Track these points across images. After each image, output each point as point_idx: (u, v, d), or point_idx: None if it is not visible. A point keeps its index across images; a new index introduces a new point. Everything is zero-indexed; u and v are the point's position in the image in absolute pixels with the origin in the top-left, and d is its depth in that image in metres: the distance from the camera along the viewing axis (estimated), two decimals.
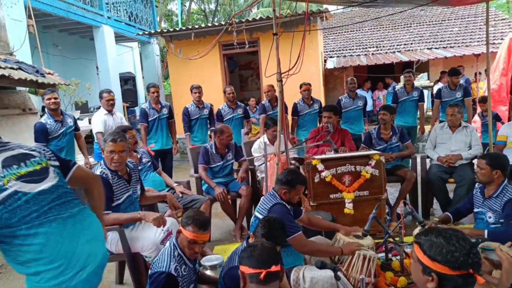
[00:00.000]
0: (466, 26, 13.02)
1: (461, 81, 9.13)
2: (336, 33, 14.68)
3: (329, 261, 2.81)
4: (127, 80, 9.94)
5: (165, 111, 5.23)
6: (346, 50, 13.05)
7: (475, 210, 2.96)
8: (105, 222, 2.49)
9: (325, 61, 11.71)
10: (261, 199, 2.77)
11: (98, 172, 2.59)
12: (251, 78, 13.03)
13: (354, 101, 5.79)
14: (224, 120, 5.49)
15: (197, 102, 5.43)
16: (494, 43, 10.76)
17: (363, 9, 15.22)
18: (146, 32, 9.62)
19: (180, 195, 3.54)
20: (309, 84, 5.80)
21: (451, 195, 3.96)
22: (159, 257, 2.03)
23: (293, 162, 4.57)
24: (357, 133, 5.51)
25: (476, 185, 3.00)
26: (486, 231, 2.68)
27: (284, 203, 2.61)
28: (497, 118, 5.99)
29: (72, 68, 9.42)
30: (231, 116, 5.57)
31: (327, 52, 12.94)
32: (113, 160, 2.57)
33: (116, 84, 8.99)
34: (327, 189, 3.68)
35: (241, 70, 13.17)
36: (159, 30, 9.77)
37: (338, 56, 12.59)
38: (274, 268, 1.63)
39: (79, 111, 7.06)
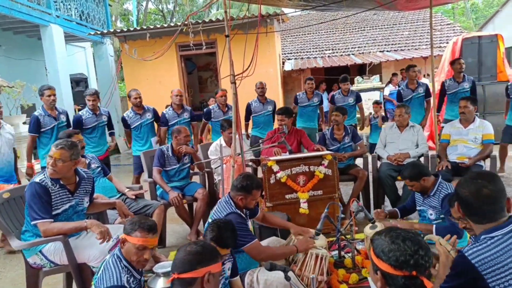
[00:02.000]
0: (415, 30, 13.71)
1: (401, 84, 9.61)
2: (293, 36, 14.94)
3: (283, 262, 2.85)
4: (78, 82, 9.52)
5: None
6: (304, 52, 13.31)
7: (418, 208, 3.11)
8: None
9: (283, 63, 11.87)
10: (216, 204, 2.74)
11: (37, 180, 2.44)
12: (210, 79, 12.94)
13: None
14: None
15: (92, 109, 4.75)
16: (440, 47, 11.43)
17: (319, 12, 15.60)
18: (99, 32, 9.27)
19: (133, 198, 3.43)
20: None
21: (400, 192, 4.14)
22: (104, 272, 1.88)
23: (250, 163, 4.59)
24: (313, 127, 6.01)
25: None
26: (434, 226, 2.82)
27: (239, 211, 2.58)
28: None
29: (18, 69, 8.85)
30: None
31: (285, 54, 13.12)
32: (48, 165, 2.43)
33: (67, 86, 8.57)
34: (283, 190, 3.73)
35: (200, 71, 13.04)
36: (112, 30, 9.44)
37: (296, 58, 12.81)
38: (184, 275, 1.55)
39: (25, 115, 6.64)
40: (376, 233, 1.44)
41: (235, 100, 3.43)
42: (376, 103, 7.07)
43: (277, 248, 2.74)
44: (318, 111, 6.43)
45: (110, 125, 5.06)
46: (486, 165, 4.05)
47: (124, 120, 5.04)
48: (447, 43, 9.81)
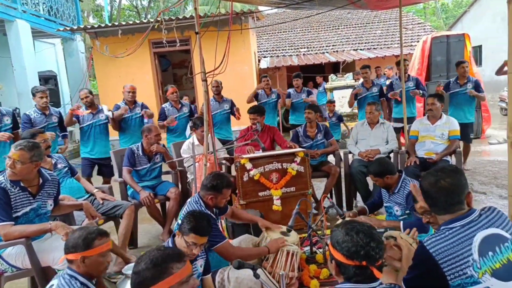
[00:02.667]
0: (388, 29, 14.01)
1: (382, 80, 9.80)
2: (269, 34, 14.97)
3: (256, 260, 2.85)
4: (47, 79, 9.20)
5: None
6: (279, 50, 13.36)
7: (385, 204, 3.20)
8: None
9: (259, 61, 11.88)
10: (185, 204, 2.71)
11: None
12: (186, 77, 12.80)
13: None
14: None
15: (41, 108, 4.45)
16: (411, 45, 11.73)
17: (294, 10, 15.68)
18: (68, 28, 8.99)
19: (101, 202, 3.34)
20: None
21: (372, 187, 4.22)
22: None
23: (223, 162, 4.57)
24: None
25: None
26: (401, 222, 2.88)
27: (208, 211, 2.56)
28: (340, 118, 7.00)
29: None
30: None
31: (260, 52, 13.13)
32: (6, 166, 2.34)
33: (35, 83, 8.24)
34: (256, 187, 3.74)
35: (175, 68, 12.87)
36: (82, 26, 9.18)
37: (271, 56, 12.84)
38: None
39: None
40: (335, 226, 1.51)
41: (207, 97, 3.40)
42: (330, 102, 7.34)
43: (249, 249, 2.73)
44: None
45: (61, 127, 4.73)
46: (452, 160, 4.18)
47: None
48: (418, 41, 10.07)
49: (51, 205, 2.63)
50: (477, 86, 5.33)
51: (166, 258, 1.44)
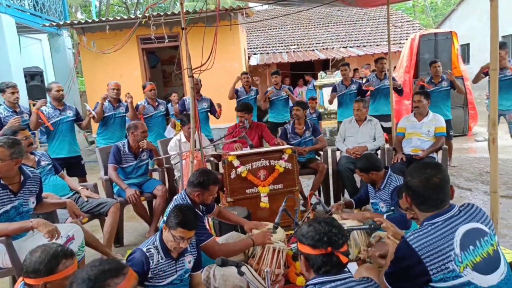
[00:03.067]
0: (377, 27, 14.08)
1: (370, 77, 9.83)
2: (259, 30, 14.93)
3: (242, 256, 2.84)
4: (33, 76, 9.03)
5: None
6: (269, 47, 13.34)
7: (371, 201, 3.22)
8: None
9: (249, 57, 11.85)
10: (172, 201, 2.68)
11: None
12: (175, 73, 12.70)
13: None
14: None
15: (11, 106, 4.22)
16: (400, 43, 11.81)
17: (285, 7, 15.66)
18: (54, 24, 8.83)
19: (86, 199, 3.30)
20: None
21: (359, 184, 4.24)
22: None
23: (211, 159, 4.55)
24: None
25: None
26: (385, 216, 2.90)
27: (195, 209, 2.54)
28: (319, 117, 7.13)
29: None
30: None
31: (250, 49, 13.09)
32: None
33: (20, 80, 8.10)
34: (243, 185, 3.72)
35: (164, 65, 12.76)
36: (69, 22, 9.03)
37: (261, 53, 12.82)
38: None
39: None
40: (308, 219, 1.53)
41: (193, 94, 3.37)
42: (312, 98, 7.45)
43: (234, 244, 2.72)
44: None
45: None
46: (438, 157, 4.22)
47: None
48: (407, 39, 10.15)
49: (33, 203, 2.58)
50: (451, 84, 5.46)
51: (101, 276, 1.33)
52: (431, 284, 1.50)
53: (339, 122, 5.38)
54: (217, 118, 5.65)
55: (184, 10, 8.63)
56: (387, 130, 5.35)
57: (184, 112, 4.98)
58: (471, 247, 1.50)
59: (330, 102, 6.20)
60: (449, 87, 5.49)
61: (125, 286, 1.35)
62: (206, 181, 2.52)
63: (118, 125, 4.87)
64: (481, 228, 1.56)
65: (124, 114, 4.93)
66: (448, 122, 5.43)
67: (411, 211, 1.93)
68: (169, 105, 6.20)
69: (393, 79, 5.78)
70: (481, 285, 1.47)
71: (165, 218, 2.51)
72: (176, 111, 5.82)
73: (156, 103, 5.26)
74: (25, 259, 1.65)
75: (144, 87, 5.34)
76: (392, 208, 2.96)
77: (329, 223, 1.47)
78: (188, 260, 2.21)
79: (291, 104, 6.10)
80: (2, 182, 2.36)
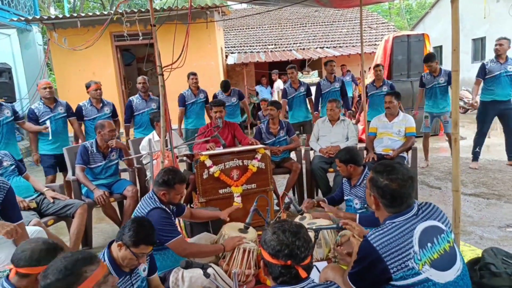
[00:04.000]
0: (353, 28, 14.28)
1: (347, 78, 9.98)
2: (237, 29, 14.88)
3: (213, 258, 2.81)
4: (1, 72, 8.64)
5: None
6: (247, 46, 13.31)
7: (345, 197, 3.23)
8: None
9: (226, 56, 11.78)
10: (141, 200, 2.63)
11: None
12: (151, 71, 12.48)
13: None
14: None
15: None
16: (375, 44, 12.01)
17: (262, 6, 15.68)
18: (23, 18, 8.51)
19: (52, 201, 3.18)
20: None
21: (332, 184, 4.27)
22: None
23: (184, 158, 4.49)
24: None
25: None
26: (358, 215, 2.93)
27: (163, 206, 2.50)
28: None
29: None
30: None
31: (228, 48, 13.03)
32: None
33: None
34: (216, 185, 3.68)
35: (140, 63, 12.53)
36: (38, 17, 8.73)
37: (239, 52, 12.77)
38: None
39: None
40: (267, 226, 1.48)
41: (164, 92, 3.30)
42: (264, 100, 7.32)
43: (204, 245, 2.69)
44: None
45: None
46: (409, 156, 4.30)
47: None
48: (381, 41, 10.33)
49: None
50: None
51: (76, 264, 1.36)
52: (392, 282, 1.51)
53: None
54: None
55: (159, 7, 8.51)
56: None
57: (100, 116, 4.65)
58: (429, 244, 1.52)
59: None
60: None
61: (100, 272, 1.39)
62: (171, 180, 2.47)
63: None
64: (438, 225, 1.59)
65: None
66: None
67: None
68: None
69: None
70: (439, 281, 1.49)
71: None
72: None
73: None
74: (23, 249, 1.69)
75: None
76: (366, 205, 2.99)
77: (294, 234, 1.38)
78: (143, 268, 2.09)
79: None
80: None
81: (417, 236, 1.52)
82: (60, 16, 8.43)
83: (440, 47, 16.60)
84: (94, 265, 1.39)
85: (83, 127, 4.84)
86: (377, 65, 6.10)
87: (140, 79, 5.24)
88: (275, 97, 9.40)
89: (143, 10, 7.90)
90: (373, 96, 5.94)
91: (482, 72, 5.26)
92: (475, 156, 5.48)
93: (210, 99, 5.76)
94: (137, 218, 2.22)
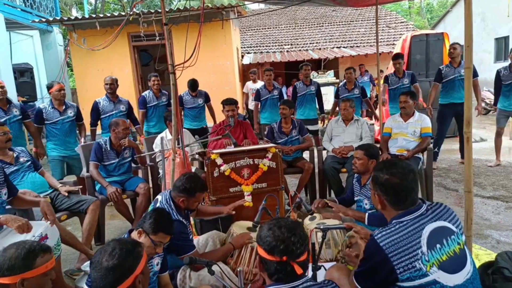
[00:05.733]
0: (371, 27, 14.09)
1: (365, 78, 9.84)
2: (253, 30, 14.91)
3: None
4: (23, 72, 8.93)
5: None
6: (263, 46, 13.31)
7: (355, 198, 3.18)
8: None
9: (242, 57, 11.81)
10: (155, 201, 2.63)
11: None
12: (167, 71, 12.64)
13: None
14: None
15: None
16: (393, 44, 11.82)
17: (279, 7, 15.65)
18: (44, 20, 8.75)
19: (66, 195, 3.25)
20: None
21: (344, 184, 4.21)
22: None
23: (196, 156, 4.51)
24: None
25: (355, 175, 3.23)
26: (367, 214, 2.87)
27: (179, 217, 2.46)
28: None
29: None
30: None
31: (244, 48, 13.06)
32: None
33: (8, 76, 8.02)
34: (227, 183, 3.68)
35: (157, 63, 12.69)
36: (59, 18, 8.96)
37: (255, 52, 12.78)
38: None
39: None
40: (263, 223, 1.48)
41: (175, 91, 3.33)
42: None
43: (215, 252, 2.65)
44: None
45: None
46: (424, 157, 4.20)
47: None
48: None
49: (5, 194, 2.55)
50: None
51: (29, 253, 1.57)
52: (398, 283, 1.47)
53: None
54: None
55: (175, 8, 8.57)
56: (314, 133, 5.65)
57: (63, 118, 4.36)
58: (438, 245, 1.48)
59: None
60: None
61: (143, 261, 1.52)
62: (192, 188, 2.45)
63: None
64: (448, 226, 1.54)
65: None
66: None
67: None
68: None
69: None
70: (447, 284, 1.44)
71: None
72: None
73: (64, 107, 4.34)
74: (1, 258, 1.55)
75: (50, 87, 4.34)
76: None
77: (290, 229, 1.37)
78: (156, 262, 2.15)
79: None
80: None
81: (426, 236, 1.48)
82: (80, 17, 8.61)
83: (461, 47, 16.20)
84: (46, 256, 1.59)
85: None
86: (396, 57, 5.94)
87: (107, 79, 4.86)
88: (250, 98, 8.81)
89: (159, 10, 8.00)
90: (395, 89, 5.86)
91: (438, 77, 5.56)
92: (434, 156, 5.50)
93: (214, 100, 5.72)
94: (157, 209, 2.26)
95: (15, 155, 3.23)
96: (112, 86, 4.84)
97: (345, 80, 6.14)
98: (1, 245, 2.33)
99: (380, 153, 4.25)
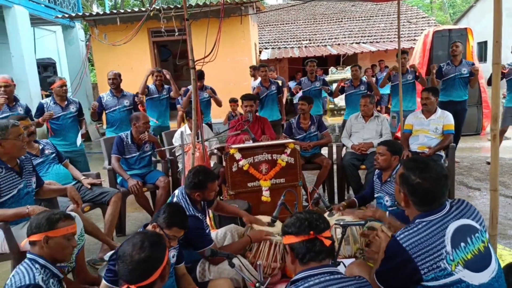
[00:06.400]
0: (391, 23, 13.82)
1: (385, 73, 9.68)
2: (271, 25, 14.84)
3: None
4: (46, 67, 9.18)
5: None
6: (281, 42, 13.24)
7: (375, 195, 3.15)
8: None
9: (260, 52, 11.79)
10: (173, 195, 2.66)
11: None
12: (186, 67, 12.71)
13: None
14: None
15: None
16: (414, 40, 11.58)
17: (298, 1, 15.53)
18: (67, 16, 8.93)
19: (89, 187, 3.33)
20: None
21: (363, 181, 4.18)
22: (14, 276, 1.69)
23: (215, 151, 4.54)
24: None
25: (376, 172, 3.19)
26: (387, 213, 2.85)
27: (196, 213, 2.48)
28: None
29: None
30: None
31: (262, 43, 13.02)
32: (23, 144, 2.44)
33: (33, 71, 8.24)
34: (245, 178, 3.69)
35: (176, 58, 12.80)
36: (81, 14, 9.12)
37: (273, 48, 12.74)
38: (142, 283, 1.46)
39: None
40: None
41: (195, 86, 3.35)
42: (233, 101, 6.77)
43: (232, 245, 2.67)
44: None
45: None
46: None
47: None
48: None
49: (34, 182, 2.65)
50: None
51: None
52: (422, 283, 1.45)
53: (345, 120, 5.48)
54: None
55: (194, 3, 8.59)
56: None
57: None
58: (462, 244, 1.45)
59: (335, 95, 6.26)
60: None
61: (68, 230, 1.80)
62: (202, 182, 2.46)
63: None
64: (472, 224, 1.51)
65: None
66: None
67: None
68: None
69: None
70: (473, 283, 1.42)
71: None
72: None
73: (66, 103, 4.26)
74: (30, 221, 1.83)
75: (52, 83, 4.26)
76: (397, 202, 2.89)
77: (309, 212, 1.52)
78: (172, 255, 2.17)
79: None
80: (8, 165, 2.42)
81: (450, 235, 1.46)
82: (101, 12, 8.75)
83: (485, 42, 15.74)
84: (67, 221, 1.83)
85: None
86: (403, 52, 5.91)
87: (110, 74, 4.81)
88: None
89: (179, 6, 8.05)
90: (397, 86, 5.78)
91: (439, 74, 5.53)
92: None
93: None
94: (172, 203, 2.30)
95: (40, 147, 3.33)
96: (115, 81, 4.76)
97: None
98: (25, 234, 2.43)
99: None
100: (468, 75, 5.43)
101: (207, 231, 2.54)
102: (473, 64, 5.70)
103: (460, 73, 5.42)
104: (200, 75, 5.59)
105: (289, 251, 1.47)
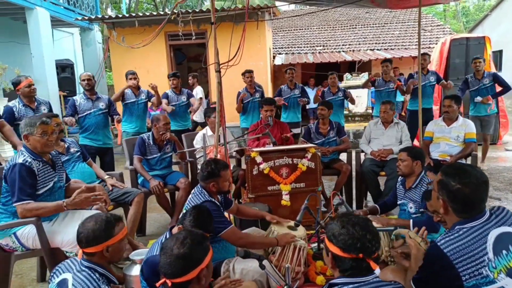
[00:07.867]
0: (406, 30, 13.79)
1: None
2: (285, 31, 14.90)
3: (262, 252, 2.84)
4: (64, 68, 9.31)
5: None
6: (295, 47, 13.28)
7: (399, 202, 3.13)
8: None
9: (273, 57, 11.84)
10: (190, 195, 2.70)
11: (20, 161, 2.38)
12: (200, 71, 12.83)
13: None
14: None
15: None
16: (429, 47, 11.52)
17: (312, 8, 15.58)
18: (86, 18, 9.08)
19: (111, 188, 3.37)
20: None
21: (383, 187, 4.16)
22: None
23: (234, 154, 4.57)
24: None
25: (399, 179, 3.18)
26: (411, 221, 2.83)
27: (213, 199, 2.54)
28: None
29: (2, 52, 8.65)
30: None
31: (276, 48, 13.08)
32: (48, 142, 2.44)
33: (52, 71, 8.38)
34: (265, 181, 3.71)
35: (190, 62, 12.92)
36: (100, 16, 9.27)
37: (286, 53, 12.78)
38: (179, 280, 1.47)
39: (6, 99, 6.48)
40: (330, 219, 1.49)
41: (220, 89, 3.39)
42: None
43: (258, 236, 2.72)
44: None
45: None
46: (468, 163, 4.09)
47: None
48: (437, 43, 9.89)
49: (65, 178, 2.73)
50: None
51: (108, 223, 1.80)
52: None
53: (376, 116, 5.77)
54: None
55: (206, 9, 8.69)
56: (295, 136, 5.57)
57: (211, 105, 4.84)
58: (504, 251, 1.44)
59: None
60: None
61: (210, 253, 1.59)
62: (214, 170, 2.53)
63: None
64: None
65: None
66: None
67: (438, 214, 1.87)
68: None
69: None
70: None
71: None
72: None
73: (35, 104, 3.98)
74: (80, 232, 1.76)
75: (17, 83, 3.88)
76: (422, 210, 2.88)
77: (363, 227, 1.40)
78: None
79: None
80: (44, 159, 2.47)
81: (491, 242, 1.45)
82: (120, 16, 8.88)
83: (500, 51, 15.60)
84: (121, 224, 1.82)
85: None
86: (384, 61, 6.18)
87: (83, 75, 4.52)
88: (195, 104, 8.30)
89: (197, 10, 8.14)
90: (381, 92, 6.07)
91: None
92: None
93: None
94: (197, 206, 2.32)
95: (66, 146, 3.38)
96: (89, 82, 4.43)
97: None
98: (57, 230, 2.47)
99: None
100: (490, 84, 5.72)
101: (224, 215, 2.58)
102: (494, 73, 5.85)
103: (429, 81, 5.86)
104: (174, 74, 5.78)
105: (331, 258, 1.44)
